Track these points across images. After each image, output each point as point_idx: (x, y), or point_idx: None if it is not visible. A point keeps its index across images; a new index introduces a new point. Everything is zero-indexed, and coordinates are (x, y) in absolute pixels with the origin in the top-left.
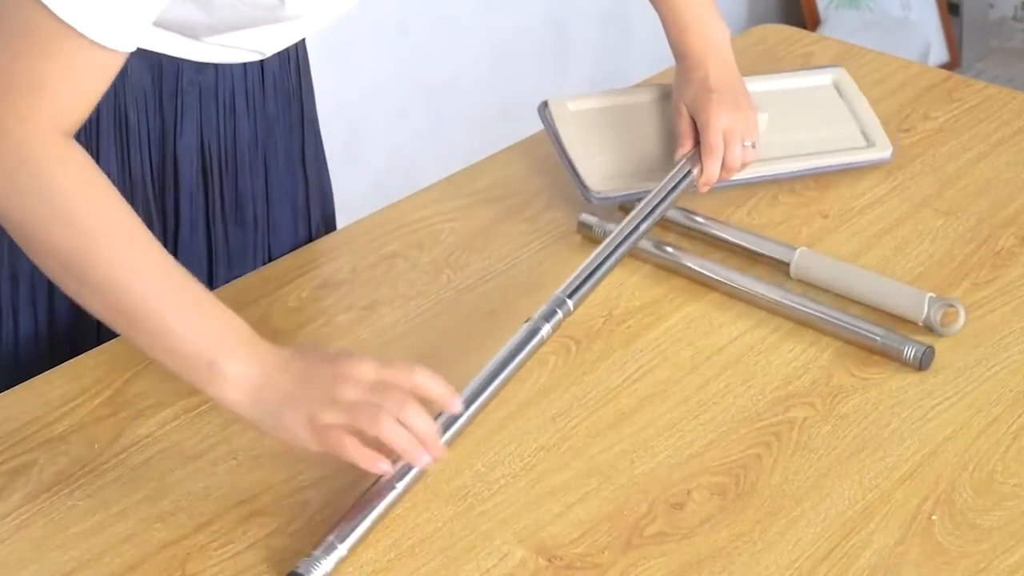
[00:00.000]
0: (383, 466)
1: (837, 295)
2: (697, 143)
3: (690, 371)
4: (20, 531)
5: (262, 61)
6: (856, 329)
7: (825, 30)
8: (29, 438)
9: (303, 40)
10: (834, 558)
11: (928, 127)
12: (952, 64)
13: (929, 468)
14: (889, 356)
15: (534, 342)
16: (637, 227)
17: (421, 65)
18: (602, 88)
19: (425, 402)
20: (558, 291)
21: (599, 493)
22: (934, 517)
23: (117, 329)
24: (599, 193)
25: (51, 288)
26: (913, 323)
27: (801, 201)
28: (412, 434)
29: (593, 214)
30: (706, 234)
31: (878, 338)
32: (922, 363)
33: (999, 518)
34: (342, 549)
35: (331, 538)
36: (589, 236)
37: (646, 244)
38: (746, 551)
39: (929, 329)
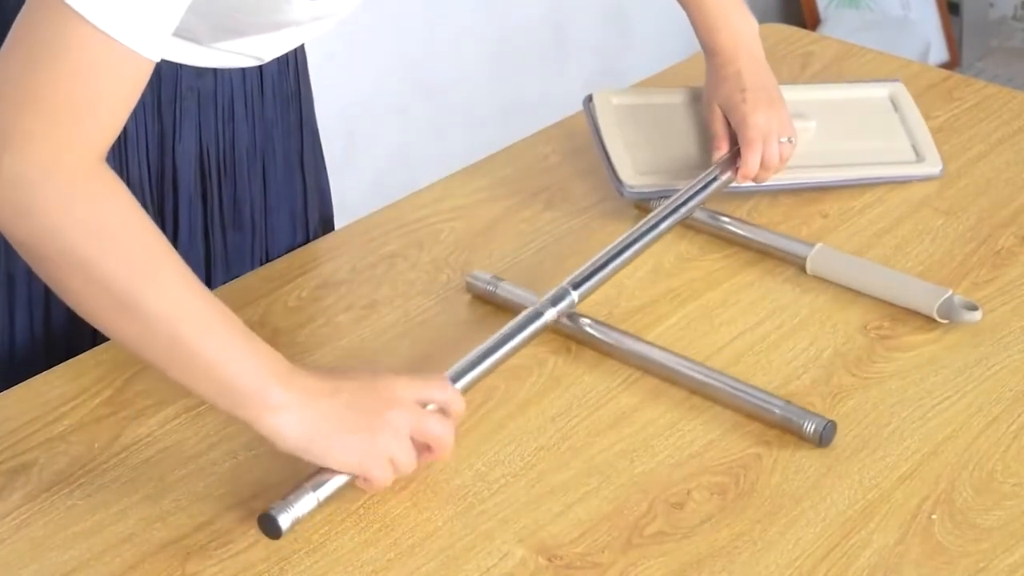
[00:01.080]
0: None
1: (852, 292)
2: (733, 143)
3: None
4: (20, 531)
5: (261, 66)
6: (755, 401)
7: (825, 29)
8: (29, 438)
9: (302, 45)
10: (834, 558)
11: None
12: (952, 63)
13: (929, 468)
14: (788, 430)
15: (536, 325)
16: (656, 225)
17: (421, 65)
18: (602, 88)
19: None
20: (563, 282)
21: (599, 493)
22: (934, 517)
23: (161, 364)
24: (632, 188)
25: (47, 290)
26: (927, 316)
27: (801, 201)
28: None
29: (484, 271)
30: (721, 229)
31: (776, 410)
32: (822, 439)
33: (999, 517)
34: (314, 497)
35: (307, 485)
36: (479, 294)
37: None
38: (746, 551)
39: (945, 318)
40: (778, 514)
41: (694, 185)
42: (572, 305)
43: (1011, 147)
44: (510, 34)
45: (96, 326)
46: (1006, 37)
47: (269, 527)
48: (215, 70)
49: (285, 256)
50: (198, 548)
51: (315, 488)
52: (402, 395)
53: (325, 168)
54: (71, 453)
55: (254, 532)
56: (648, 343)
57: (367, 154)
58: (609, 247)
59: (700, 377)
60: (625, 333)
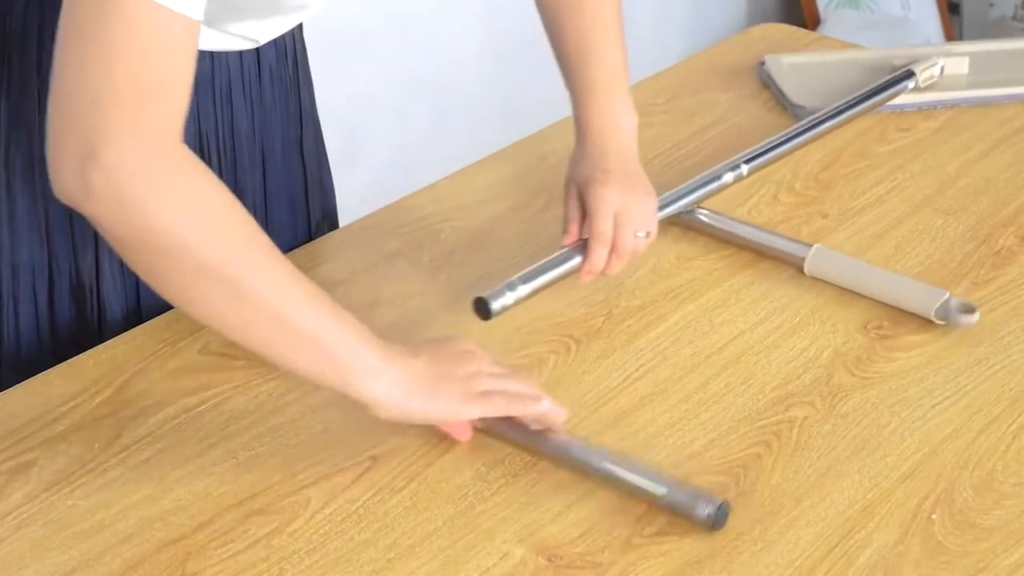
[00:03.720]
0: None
1: (852, 291)
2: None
3: (690, 370)
4: (20, 530)
5: (258, 52)
6: (638, 484)
7: (825, 29)
8: (29, 437)
9: (300, 32)
10: (834, 557)
11: (928, 127)
12: None
13: (929, 467)
14: (676, 514)
15: (712, 186)
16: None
17: (421, 64)
18: None
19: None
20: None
21: (599, 493)
22: (934, 516)
23: (264, 344)
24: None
25: (51, 279)
26: (925, 318)
27: (801, 200)
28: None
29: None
30: (719, 230)
31: (664, 492)
32: (716, 522)
33: (999, 517)
34: (523, 289)
35: (515, 279)
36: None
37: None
38: (746, 551)
39: (943, 320)
40: (778, 514)
41: (545, 264)
42: (741, 176)
43: (1011, 147)
44: (510, 34)
45: (196, 316)
46: (1006, 37)
47: (482, 309)
48: (212, 54)
49: (286, 255)
50: (198, 548)
51: (524, 281)
52: (474, 351)
53: (327, 161)
54: (71, 452)
55: (254, 532)
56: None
57: (367, 154)
58: (783, 133)
59: (585, 460)
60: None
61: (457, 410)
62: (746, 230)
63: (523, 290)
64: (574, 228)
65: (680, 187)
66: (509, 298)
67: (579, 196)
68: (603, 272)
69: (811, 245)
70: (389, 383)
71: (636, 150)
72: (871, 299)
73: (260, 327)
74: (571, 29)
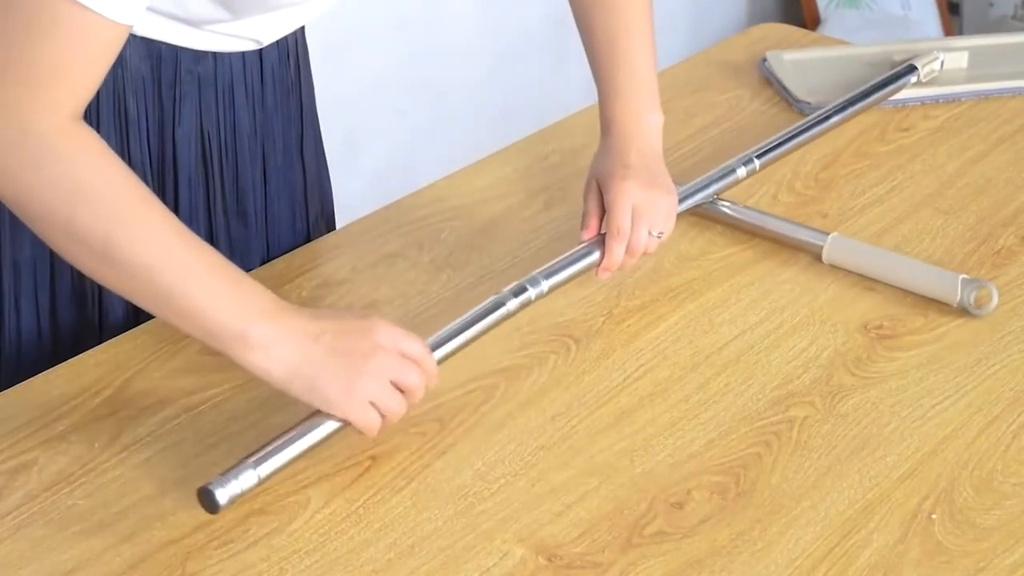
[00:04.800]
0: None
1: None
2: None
3: (690, 370)
4: (20, 530)
5: (261, 52)
6: None
7: (825, 29)
8: (29, 437)
9: (303, 34)
10: (834, 557)
11: (928, 126)
12: None
13: (929, 467)
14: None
15: (729, 180)
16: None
17: (421, 63)
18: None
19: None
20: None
21: (599, 492)
22: (934, 516)
23: (150, 309)
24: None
25: (52, 276)
26: (947, 304)
27: (801, 200)
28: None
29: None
30: (734, 220)
31: None
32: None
33: (999, 517)
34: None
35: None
36: None
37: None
38: (746, 550)
39: (964, 310)
40: (778, 514)
41: (566, 258)
42: (754, 171)
43: (1011, 147)
44: (511, 33)
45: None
46: None
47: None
48: (214, 54)
49: (285, 256)
50: (198, 548)
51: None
52: (384, 342)
53: (326, 161)
54: (71, 452)
55: (254, 532)
56: None
57: (367, 154)
58: (794, 127)
59: None
60: None
61: (332, 410)
62: (768, 220)
63: (545, 285)
64: (593, 223)
65: (694, 182)
66: (532, 294)
67: (599, 191)
68: (614, 270)
69: (828, 233)
70: (275, 362)
71: (660, 148)
72: (872, 297)
73: (136, 293)
74: (601, 26)
